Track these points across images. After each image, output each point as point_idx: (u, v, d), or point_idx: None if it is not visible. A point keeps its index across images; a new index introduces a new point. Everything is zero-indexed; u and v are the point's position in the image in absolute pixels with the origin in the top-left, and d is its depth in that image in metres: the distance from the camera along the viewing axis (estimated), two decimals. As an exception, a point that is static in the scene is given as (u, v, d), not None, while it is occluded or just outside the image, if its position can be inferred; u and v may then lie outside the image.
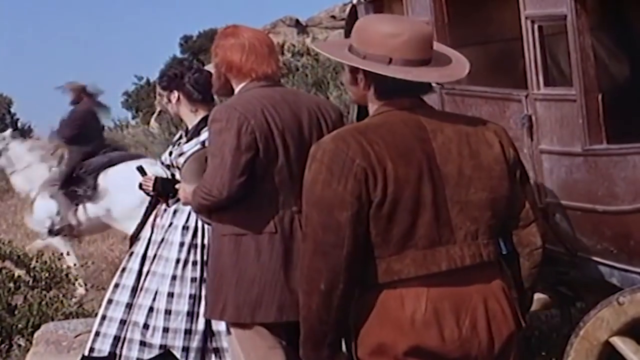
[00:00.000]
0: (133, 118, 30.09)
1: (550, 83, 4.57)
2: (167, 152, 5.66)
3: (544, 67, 4.50)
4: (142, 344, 5.34)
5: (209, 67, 5.36)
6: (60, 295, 8.09)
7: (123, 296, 5.48)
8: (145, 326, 5.34)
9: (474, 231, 3.10)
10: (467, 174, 3.09)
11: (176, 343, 5.32)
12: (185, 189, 5.09)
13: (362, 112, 5.66)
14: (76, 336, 6.81)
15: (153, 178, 5.52)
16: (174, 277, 5.38)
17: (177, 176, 5.50)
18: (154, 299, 5.38)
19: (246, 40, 4.72)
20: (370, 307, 3.07)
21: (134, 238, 5.70)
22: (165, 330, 5.32)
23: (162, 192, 5.53)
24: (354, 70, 3.19)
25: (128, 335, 5.39)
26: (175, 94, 5.64)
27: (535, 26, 4.47)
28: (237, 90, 4.75)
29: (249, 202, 4.56)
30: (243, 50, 4.69)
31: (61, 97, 10.82)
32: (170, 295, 5.36)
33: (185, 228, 5.43)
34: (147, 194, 5.65)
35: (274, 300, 4.57)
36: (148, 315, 5.36)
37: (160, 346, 5.32)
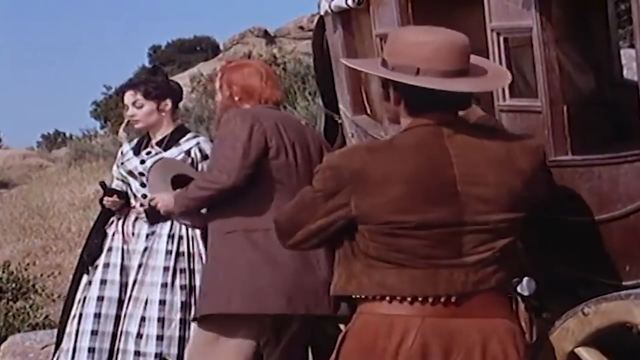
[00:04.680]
0: (102, 127, 29.99)
1: (516, 94, 4.59)
2: (137, 161, 5.59)
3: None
4: (137, 353, 5.30)
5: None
6: (27, 307, 8.04)
7: (111, 309, 5.42)
8: (139, 335, 5.30)
9: (485, 258, 2.91)
10: (488, 198, 2.92)
11: (172, 350, 5.29)
12: (164, 198, 5.11)
13: (329, 122, 5.67)
14: (43, 347, 6.77)
15: (115, 196, 5.53)
16: (163, 285, 5.35)
17: None
18: (144, 308, 5.35)
19: (261, 67, 5.07)
20: (356, 331, 2.93)
21: (93, 249, 5.58)
22: (160, 338, 5.29)
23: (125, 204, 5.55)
24: (385, 85, 3.06)
25: (121, 347, 5.35)
26: (168, 102, 5.61)
27: (501, 38, 4.49)
28: None
29: (241, 201, 4.69)
30: (261, 77, 4.96)
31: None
32: (162, 302, 5.33)
33: (170, 236, 5.41)
34: (109, 209, 5.60)
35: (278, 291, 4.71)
36: (140, 325, 5.33)
37: (156, 355, 5.28)
